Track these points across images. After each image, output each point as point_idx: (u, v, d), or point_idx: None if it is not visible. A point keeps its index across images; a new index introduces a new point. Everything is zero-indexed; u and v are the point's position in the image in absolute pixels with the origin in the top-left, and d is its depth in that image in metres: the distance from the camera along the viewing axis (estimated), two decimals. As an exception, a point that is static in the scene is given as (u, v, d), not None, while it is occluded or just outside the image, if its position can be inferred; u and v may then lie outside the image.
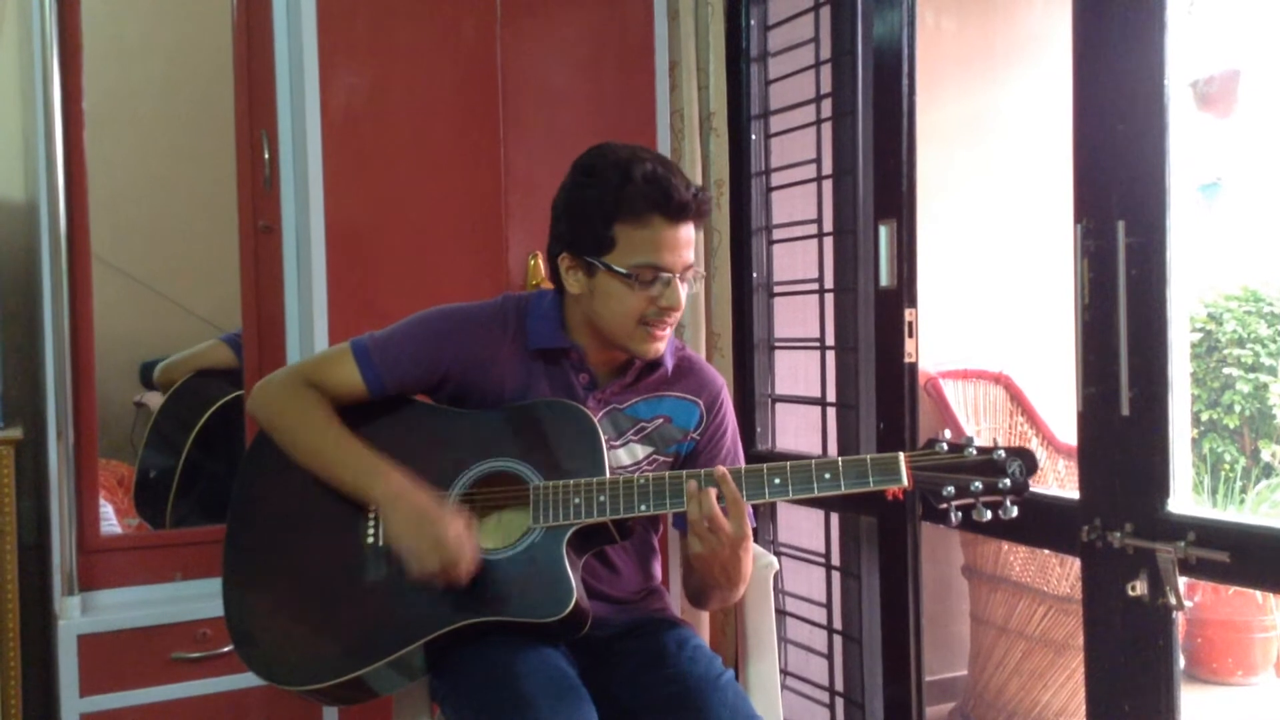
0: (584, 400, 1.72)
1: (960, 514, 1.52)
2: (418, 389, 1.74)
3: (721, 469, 1.56)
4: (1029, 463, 1.51)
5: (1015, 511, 1.51)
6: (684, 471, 1.60)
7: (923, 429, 2.18)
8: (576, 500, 1.59)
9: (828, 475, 1.54)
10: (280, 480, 1.71)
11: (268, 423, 1.71)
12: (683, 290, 1.65)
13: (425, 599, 1.59)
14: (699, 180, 2.57)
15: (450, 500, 1.64)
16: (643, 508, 1.57)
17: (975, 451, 1.52)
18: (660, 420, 1.75)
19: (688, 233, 1.64)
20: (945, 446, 1.54)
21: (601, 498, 1.58)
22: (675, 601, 2.06)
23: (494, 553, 1.60)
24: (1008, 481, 1.50)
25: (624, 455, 1.73)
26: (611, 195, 1.61)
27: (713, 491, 1.53)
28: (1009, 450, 1.52)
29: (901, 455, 1.53)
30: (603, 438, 1.64)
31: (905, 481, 1.52)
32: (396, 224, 2.42)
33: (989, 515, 1.51)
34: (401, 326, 1.74)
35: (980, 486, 1.50)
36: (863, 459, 1.54)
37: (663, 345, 1.69)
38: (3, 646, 2.26)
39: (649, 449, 1.75)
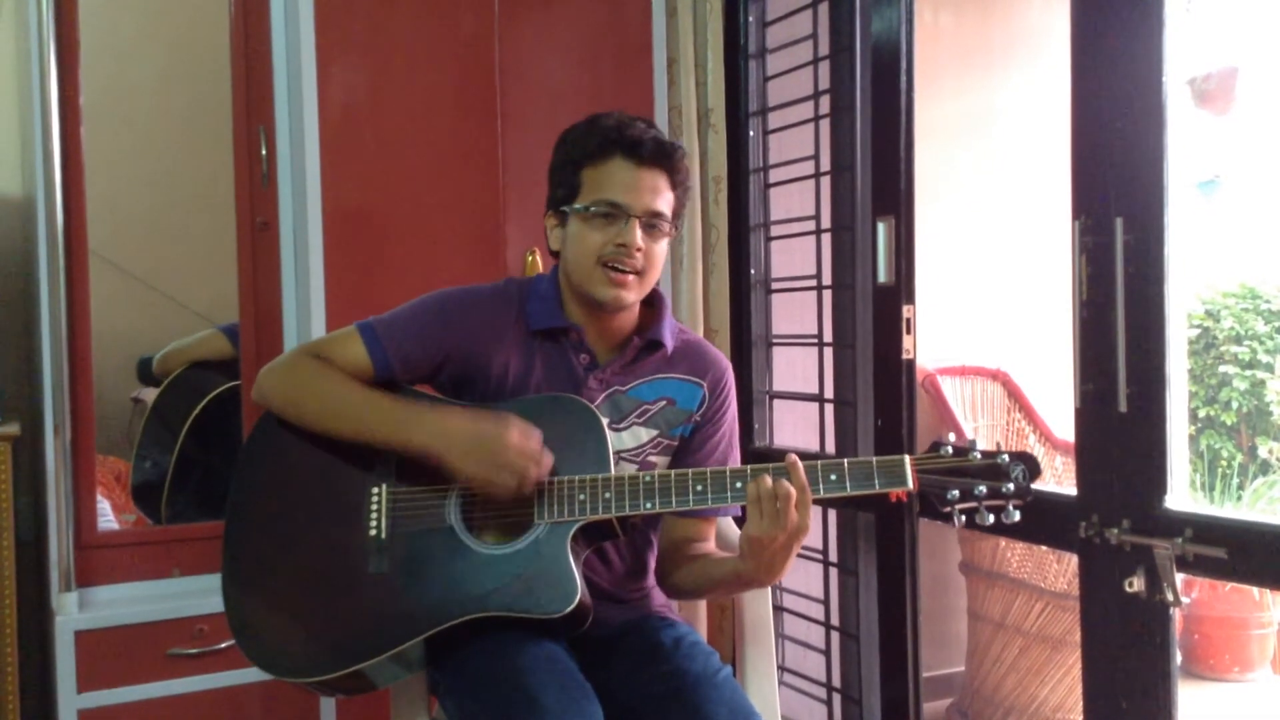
0: (585, 380, 1.72)
1: (963, 516, 1.53)
2: (423, 369, 1.73)
3: (792, 456, 1.54)
4: (1032, 467, 1.52)
5: (1017, 516, 1.51)
6: (689, 470, 1.59)
7: (920, 426, 2.18)
8: (582, 497, 1.59)
9: (833, 477, 1.54)
10: (280, 472, 1.71)
11: (282, 397, 1.69)
12: (644, 236, 1.66)
13: (428, 592, 1.59)
14: (697, 177, 2.56)
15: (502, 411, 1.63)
16: (648, 505, 1.57)
17: (979, 455, 1.53)
18: (663, 403, 1.75)
19: (652, 178, 1.67)
20: (950, 450, 1.54)
21: (607, 494, 1.58)
22: (673, 598, 2.05)
23: (498, 547, 1.60)
24: (1011, 486, 1.51)
25: (628, 438, 1.73)
26: (578, 143, 1.70)
27: (784, 479, 1.52)
28: (1013, 455, 1.53)
29: (907, 459, 1.53)
30: (608, 434, 1.64)
31: (910, 485, 1.53)
32: (394, 220, 2.42)
33: (991, 519, 1.52)
34: (407, 308, 1.74)
35: (984, 490, 1.51)
36: (868, 461, 1.54)
37: (626, 294, 1.67)
38: (1, 643, 2.26)
39: (653, 432, 1.75)
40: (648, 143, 1.66)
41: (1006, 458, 1.52)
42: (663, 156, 1.68)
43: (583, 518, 1.58)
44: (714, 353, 1.83)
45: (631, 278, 1.67)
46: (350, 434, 1.65)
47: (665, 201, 1.69)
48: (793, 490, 1.51)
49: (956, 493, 1.51)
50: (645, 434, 1.74)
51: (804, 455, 1.57)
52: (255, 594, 1.67)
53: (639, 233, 1.65)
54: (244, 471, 1.75)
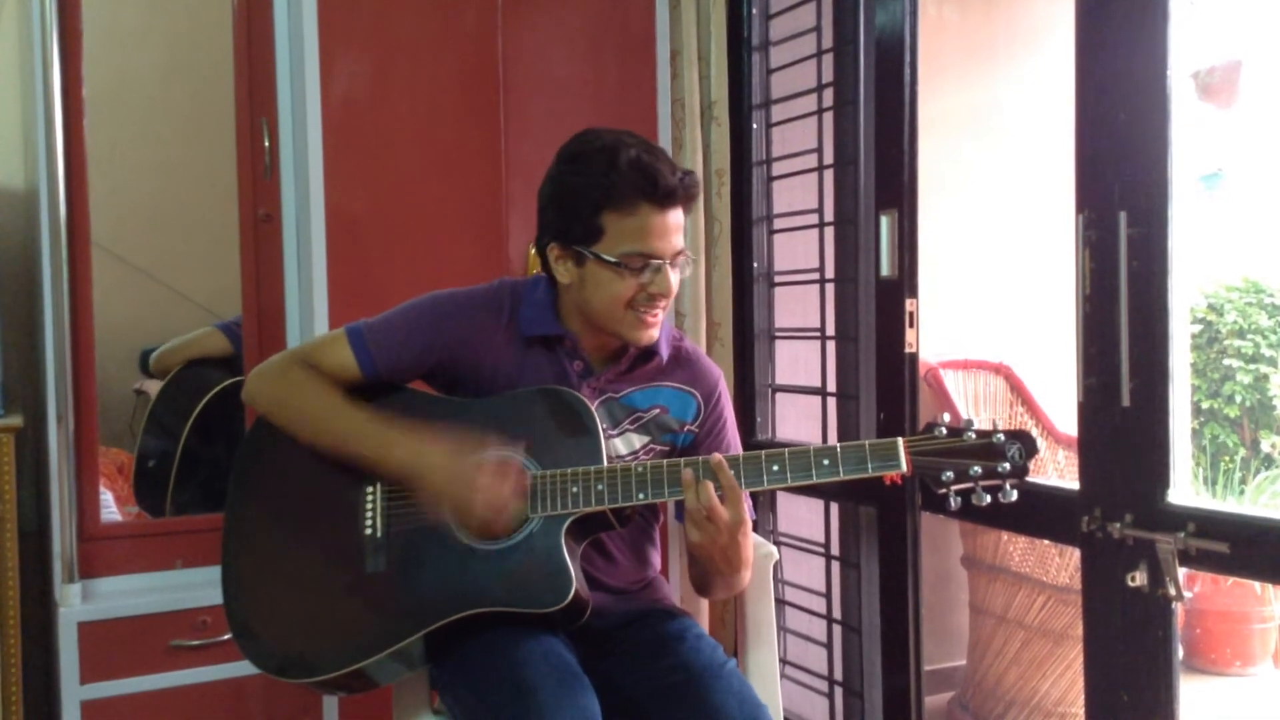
0: (578, 387, 1.71)
1: (959, 499, 1.52)
2: (412, 373, 1.73)
3: (717, 456, 1.55)
4: (1028, 445, 1.50)
5: (1014, 495, 1.50)
6: (681, 460, 1.59)
7: (923, 420, 2.18)
8: (574, 489, 1.59)
9: (826, 461, 1.53)
10: (275, 474, 1.72)
11: (268, 405, 1.70)
12: (673, 276, 1.64)
13: (425, 589, 1.59)
14: (700, 170, 2.56)
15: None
16: (640, 496, 1.57)
17: (974, 435, 1.52)
18: (657, 410, 1.75)
19: (676, 218, 1.63)
20: (944, 431, 1.53)
21: (600, 486, 1.58)
22: (675, 591, 2.06)
23: (493, 543, 1.60)
24: (1007, 465, 1.50)
25: (620, 445, 1.73)
26: (598, 183, 1.59)
27: (709, 481, 1.53)
28: (1008, 433, 1.51)
29: (900, 440, 1.53)
30: (600, 425, 1.64)
31: (904, 467, 1.52)
32: (397, 213, 2.42)
33: (988, 499, 1.51)
34: (397, 311, 1.74)
35: (979, 470, 1.50)
36: (861, 444, 1.54)
37: (655, 331, 1.68)
38: (3, 634, 2.26)
39: (645, 438, 1.75)
40: (678, 190, 1.60)
41: (1002, 436, 1.51)
42: (686, 196, 1.62)
43: (576, 510, 1.58)
44: (707, 362, 1.82)
45: (660, 313, 1.67)
46: (330, 447, 1.65)
47: (685, 232, 1.66)
48: (713, 494, 1.52)
49: (951, 474, 1.50)
50: (638, 440, 1.74)
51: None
52: (254, 596, 1.67)
53: (671, 277, 1.63)
54: (240, 473, 1.75)
